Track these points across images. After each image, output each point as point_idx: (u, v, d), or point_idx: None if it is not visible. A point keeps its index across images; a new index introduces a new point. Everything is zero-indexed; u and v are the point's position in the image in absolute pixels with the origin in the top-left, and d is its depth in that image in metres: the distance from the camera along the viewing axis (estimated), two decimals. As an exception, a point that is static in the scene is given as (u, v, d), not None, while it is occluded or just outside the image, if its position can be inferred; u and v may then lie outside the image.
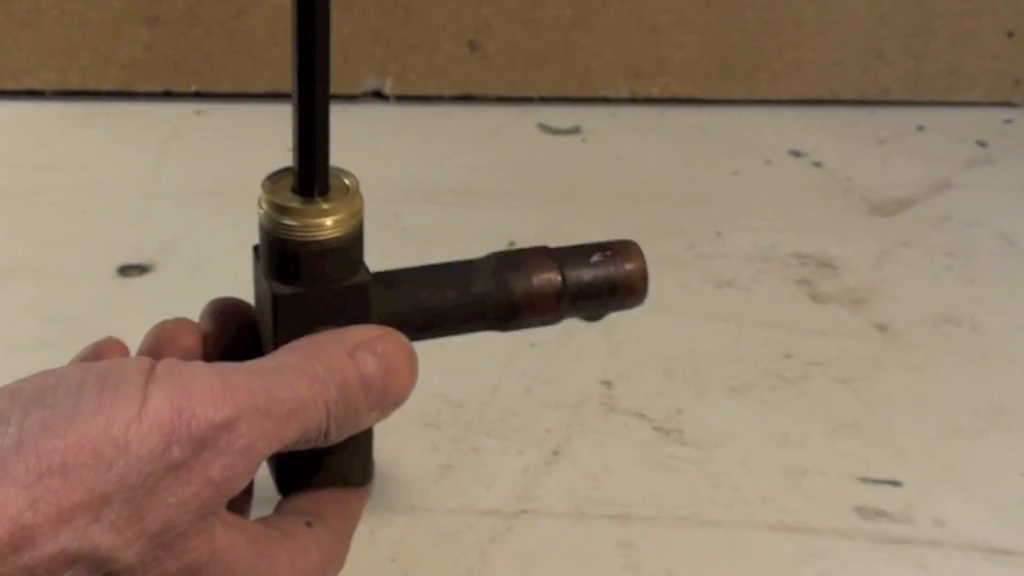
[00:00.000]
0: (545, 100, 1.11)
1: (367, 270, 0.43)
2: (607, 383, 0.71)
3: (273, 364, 0.39)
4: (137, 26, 1.03)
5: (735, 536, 0.60)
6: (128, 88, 1.05)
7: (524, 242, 0.91)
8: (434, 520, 0.60)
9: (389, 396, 0.41)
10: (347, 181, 0.43)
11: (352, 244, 0.42)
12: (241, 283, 0.80)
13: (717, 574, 0.58)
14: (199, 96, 1.06)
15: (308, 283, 0.42)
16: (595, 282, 0.47)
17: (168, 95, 1.06)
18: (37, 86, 1.04)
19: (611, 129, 1.07)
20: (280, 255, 0.42)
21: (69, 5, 1.02)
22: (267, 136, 1.00)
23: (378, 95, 1.08)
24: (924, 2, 1.13)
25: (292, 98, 0.41)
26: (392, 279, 0.45)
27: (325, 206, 0.41)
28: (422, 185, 0.92)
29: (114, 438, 0.34)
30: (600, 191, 0.95)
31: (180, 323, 0.45)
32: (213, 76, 1.05)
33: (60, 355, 0.70)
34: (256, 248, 0.43)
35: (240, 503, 0.44)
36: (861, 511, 0.62)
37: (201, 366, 0.37)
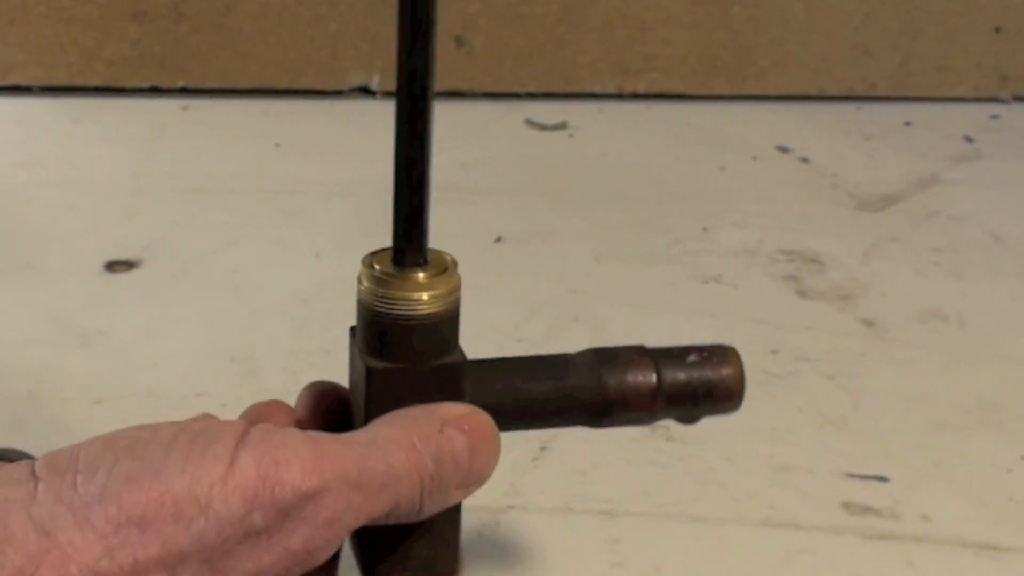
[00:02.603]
0: (532, 96, 1.11)
1: (462, 352, 0.43)
2: (595, 379, 0.71)
3: (368, 436, 0.39)
4: (124, 22, 1.03)
5: (722, 532, 0.60)
6: (115, 84, 1.05)
7: (512, 238, 0.91)
8: (422, 516, 0.60)
9: (474, 474, 0.41)
10: (447, 259, 0.43)
11: (448, 322, 0.42)
12: (228, 278, 0.80)
13: (704, 570, 0.58)
14: (186, 92, 1.06)
15: (401, 359, 0.41)
16: (691, 383, 0.47)
17: (155, 91, 1.06)
18: (23, 82, 1.04)
19: (598, 125, 1.07)
20: (373, 328, 0.41)
21: (56, 1, 1.02)
22: (254, 131, 0.99)
23: (365, 91, 1.07)
24: (911, -2, 1.13)
25: (395, 164, 0.40)
26: (488, 367, 0.44)
27: (422, 280, 0.41)
28: (409, 181, 0.92)
29: (197, 496, 0.34)
30: (587, 187, 0.95)
31: (273, 405, 0.44)
32: (200, 72, 1.05)
33: (48, 351, 0.70)
34: (353, 328, 0.43)
35: (326, 570, 0.43)
36: (848, 507, 0.62)
37: (294, 433, 0.37)
